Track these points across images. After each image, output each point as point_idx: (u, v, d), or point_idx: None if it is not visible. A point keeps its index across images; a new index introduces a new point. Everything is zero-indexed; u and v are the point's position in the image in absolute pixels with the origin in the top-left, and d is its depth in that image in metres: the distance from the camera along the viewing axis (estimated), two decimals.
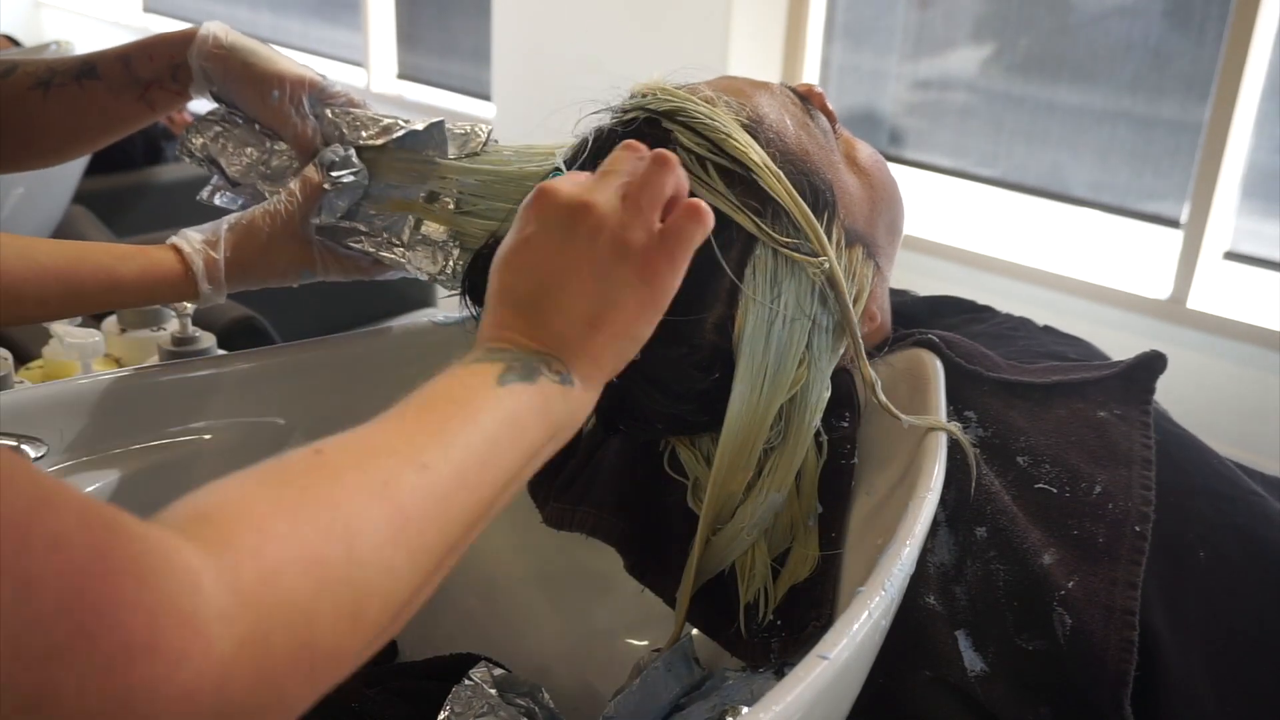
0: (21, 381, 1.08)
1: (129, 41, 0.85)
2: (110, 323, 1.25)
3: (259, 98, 0.82)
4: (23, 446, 0.78)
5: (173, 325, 1.14)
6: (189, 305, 1.07)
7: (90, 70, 0.84)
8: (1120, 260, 2.83)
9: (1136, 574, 0.67)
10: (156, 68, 0.84)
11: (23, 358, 1.22)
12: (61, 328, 1.16)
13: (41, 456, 0.77)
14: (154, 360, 1.17)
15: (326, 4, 4.63)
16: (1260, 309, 2.57)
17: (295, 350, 0.88)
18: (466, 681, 0.72)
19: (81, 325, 1.18)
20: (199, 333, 1.10)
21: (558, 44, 3.33)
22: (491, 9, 3.49)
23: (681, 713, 0.69)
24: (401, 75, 4.30)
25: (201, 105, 0.87)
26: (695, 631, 0.75)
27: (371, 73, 4.25)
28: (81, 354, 1.15)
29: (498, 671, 0.74)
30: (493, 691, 0.72)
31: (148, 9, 5.36)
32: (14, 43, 2.79)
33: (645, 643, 0.82)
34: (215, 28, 0.83)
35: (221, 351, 1.09)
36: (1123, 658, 0.64)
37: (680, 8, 2.98)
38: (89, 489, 0.75)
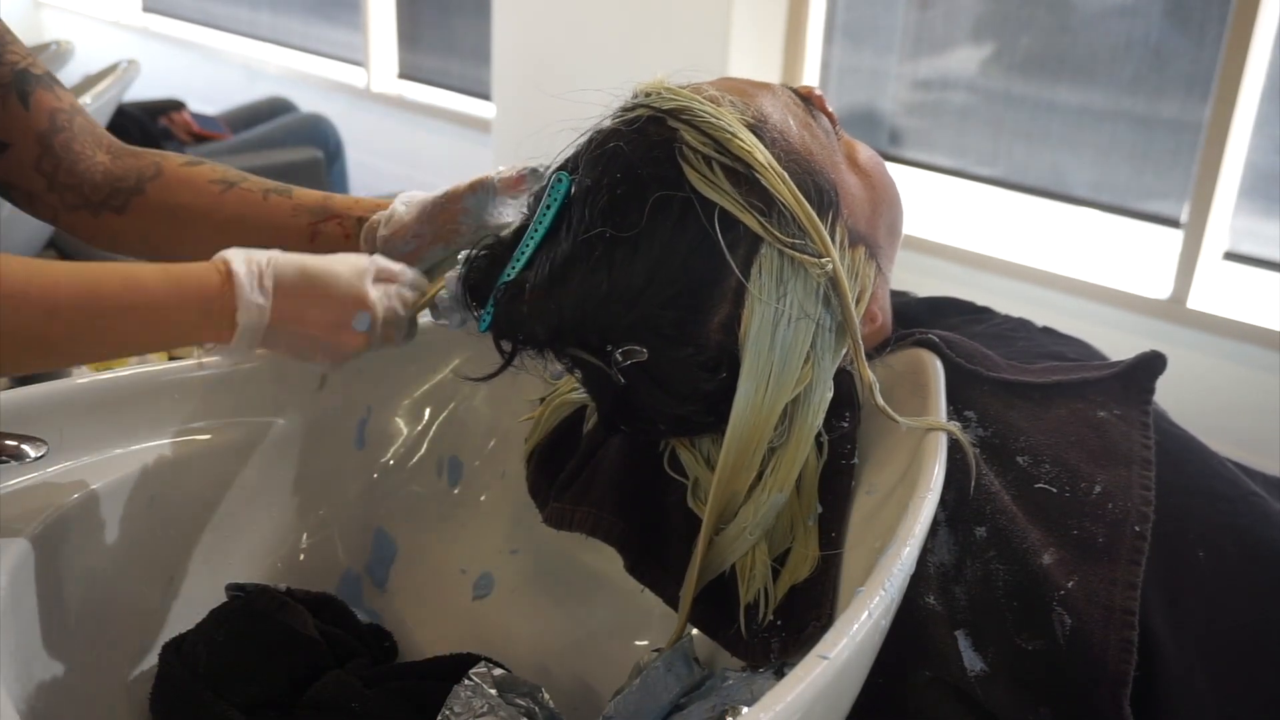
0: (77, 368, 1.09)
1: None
2: None
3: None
4: (23, 446, 0.78)
5: None
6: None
7: (285, 191, 0.87)
8: (1120, 260, 2.83)
9: (1136, 574, 0.67)
10: (356, 207, 0.87)
11: None
12: None
13: (41, 456, 0.77)
14: (195, 349, 1.17)
15: (326, 4, 4.62)
16: (1260, 309, 2.56)
17: None
18: (466, 681, 0.72)
19: None
20: None
21: (558, 44, 3.32)
22: (491, 9, 3.48)
23: (681, 713, 0.69)
24: (402, 75, 4.30)
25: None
26: (695, 631, 0.75)
27: (371, 73, 4.25)
28: None
29: (498, 671, 0.74)
30: (493, 691, 0.72)
31: (147, 9, 5.36)
32: None
33: (645, 643, 0.82)
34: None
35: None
36: (1122, 657, 0.64)
37: (680, 8, 2.98)
38: (89, 489, 0.75)
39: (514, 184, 0.83)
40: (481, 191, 0.83)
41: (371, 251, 0.85)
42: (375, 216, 0.86)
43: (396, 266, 0.79)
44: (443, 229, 0.84)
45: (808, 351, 0.70)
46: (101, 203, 0.87)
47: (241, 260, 0.72)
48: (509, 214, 0.85)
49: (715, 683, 0.70)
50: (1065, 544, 0.68)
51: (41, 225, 1.80)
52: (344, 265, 0.75)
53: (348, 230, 0.86)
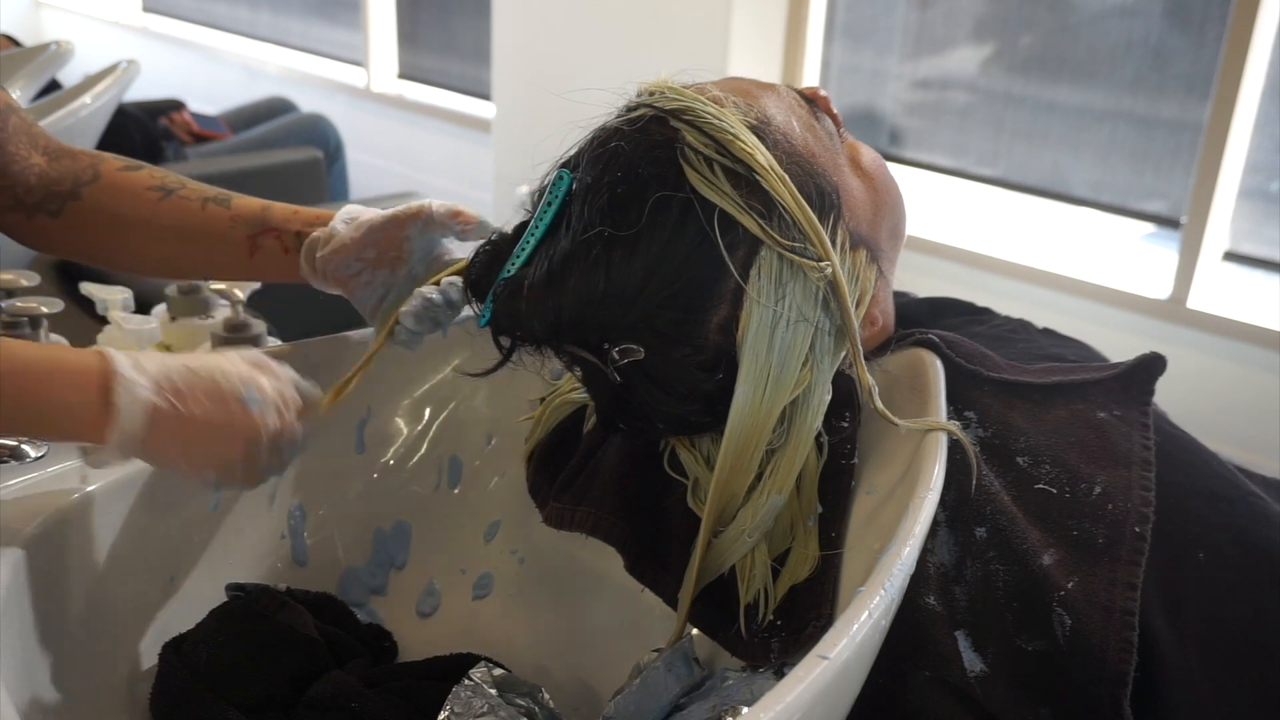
0: None
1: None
2: (160, 311, 1.24)
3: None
4: (23, 446, 0.78)
5: (223, 313, 1.14)
6: (240, 293, 1.07)
7: (223, 200, 0.85)
8: (1120, 260, 2.83)
9: (1136, 574, 0.67)
10: (294, 219, 0.84)
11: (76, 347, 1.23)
12: (119, 314, 1.16)
13: (41, 456, 0.77)
14: (206, 348, 1.17)
15: (326, 4, 4.62)
16: (1260, 309, 2.57)
17: (294, 350, 0.88)
18: (466, 681, 0.72)
19: (135, 312, 1.19)
20: (251, 319, 1.10)
21: (558, 44, 3.32)
22: (491, 9, 3.48)
23: (681, 713, 0.69)
24: (401, 75, 4.30)
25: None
26: (695, 631, 0.75)
27: (371, 73, 4.25)
28: (139, 340, 1.15)
29: (498, 671, 0.74)
30: (493, 691, 0.72)
31: (147, 9, 5.36)
32: (14, 42, 2.79)
33: (645, 643, 0.82)
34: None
35: (274, 339, 1.09)
36: (1122, 658, 0.64)
37: (680, 8, 2.98)
38: (88, 489, 0.75)
39: (453, 217, 0.82)
40: (423, 220, 0.82)
41: (312, 271, 0.84)
42: (315, 234, 0.84)
43: (277, 364, 0.74)
44: (386, 253, 0.82)
45: (806, 354, 0.70)
46: (36, 205, 0.85)
47: (120, 352, 0.67)
48: (454, 248, 0.85)
49: (715, 683, 0.70)
50: (1065, 544, 0.68)
51: None
52: (228, 357, 0.71)
53: (286, 245, 0.84)
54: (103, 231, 0.85)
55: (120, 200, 0.84)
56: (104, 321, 1.19)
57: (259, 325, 1.10)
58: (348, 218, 0.84)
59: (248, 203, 0.85)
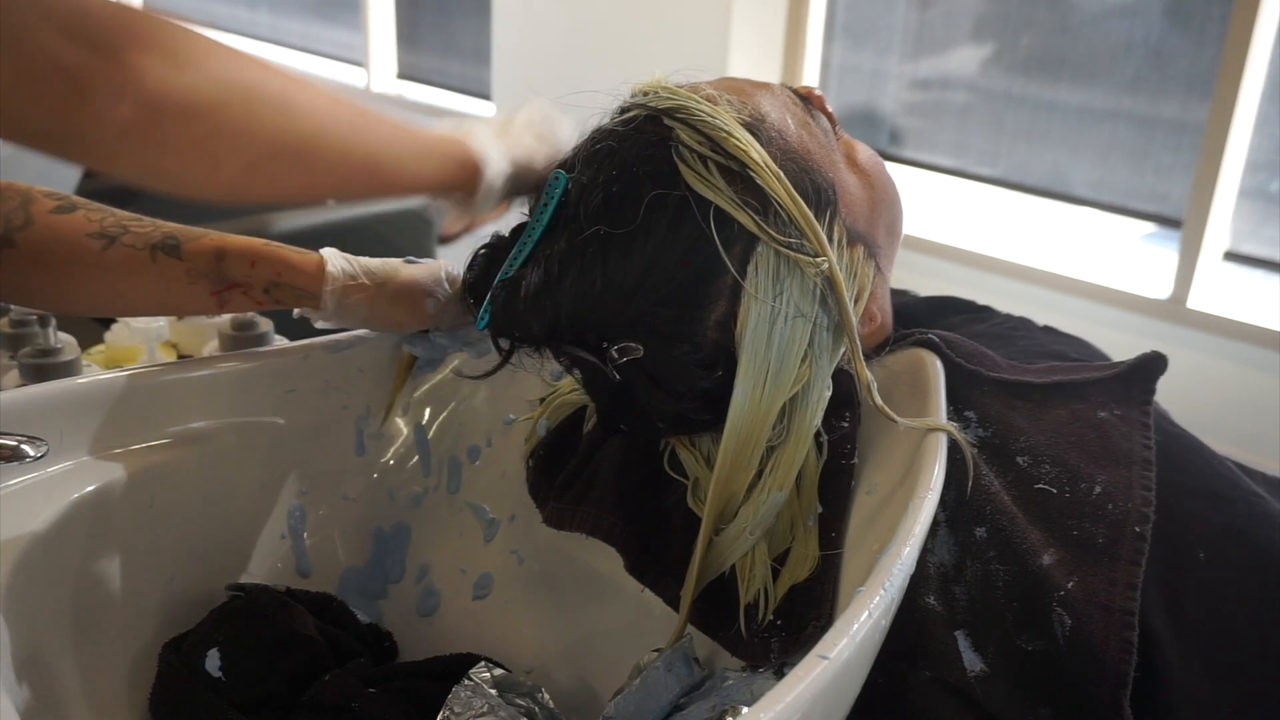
0: (89, 365, 1.09)
1: (224, 234, 0.81)
2: None
3: (409, 311, 0.85)
4: (23, 446, 0.78)
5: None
6: None
7: (173, 248, 0.79)
8: (1120, 260, 2.83)
9: (1136, 574, 0.67)
10: (254, 274, 0.80)
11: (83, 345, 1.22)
12: None
13: (41, 456, 0.77)
14: (213, 346, 1.17)
15: (326, 4, 4.62)
16: (1260, 309, 2.56)
17: (295, 350, 0.88)
18: (466, 681, 0.72)
19: None
20: (258, 317, 1.10)
21: (558, 44, 3.33)
22: (491, 9, 3.49)
23: (681, 713, 0.69)
24: (401, 75, 4.31)
25: None
26: (692, 629, 0.75)
27: (371, 73, 4.25)
28: (146, 338, 1.15)
29: (498, 672, 0.74)
30: (492, 691, 0.72)
31: (147, 9, 5.35)
32: None
33: (645, 643, 0.82)
34: (337, 260, 0.82)
35: (280, 338, 1.09)
36: (1122, 658, 0.64)
37: (680, 8, 2.98)
38: (89, 489, 0.75)
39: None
40: (446, 279, 0.85)
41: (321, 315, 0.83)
42: (324, 295, 0.81)
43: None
44: (414, 316, 0.86)
45: (805, 350, 0.70)
46: None
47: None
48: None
49: (715, 683, 0.70)
50: (1065, 544, 0.68)
51: None
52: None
53: (256, 299, 0.81)
54: (46, 280, 0.78)
55: (59, 250, 0.77)
56: (111, 320, 1.19)
57: (265, 324, 1.11)
58: (343, 275, 0.81)
59: (199, 249, 0.79)
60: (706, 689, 0.71)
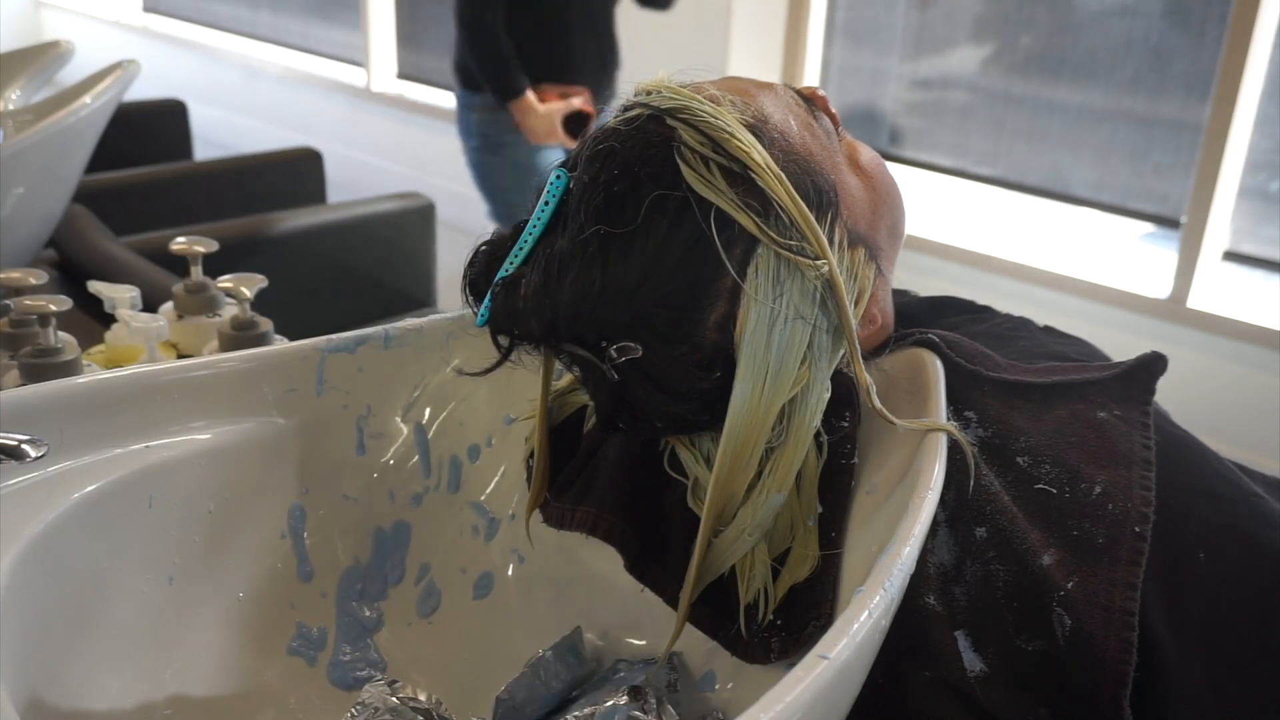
0: (89, 365, 1.09)
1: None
2: (167, 309, 1.24)
3: None
4: (23, 446, 0.78)
5: (230, 311, 1.14)
6: (247, 290, 1.05)
7: None
8: (1120, 260, 2.83)
9: (1136, 575, 0.67)
10: None
11: (83, 345, 1.22)
12: (127, 312, 1.16)
13: (41, 456, 0.77)
14: (213, 346, 1.17)
15: (326, 4, 4.62)
16: (1260, 309, 2.57)
17: (295, 350, 0.88)
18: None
19: (142, 310, 1.19)
20: (258, 317, 1.10)
21: None
22: None
23: (575, 704, 0.70)
24: (401, 75, 4.31)
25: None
26: (684, 632, 0.75)
27: (371, 73, 4.25)
28: (146, 338, 1.15)
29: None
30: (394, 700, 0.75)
31: (147, 9, 5.36)
32: None
33: (645, 642, 0.82)
34: None
35: (280, 338, 1.09)
36: (1122, 658, 0.64)
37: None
38: (89, 489, 0.75)
39: None
40: None
41: None
42: None
43: None
44: None
45: (804, 353, 0.70)
46: None
47: None
48: None
49: (606, 674, 0.71)
50: (1065, 544, 0.68)
51: (41, 224, 1.81)
52: None
53: None
54: None
55: None
56: (111, 320, 1.19)
57: (265, 324, 1.11)
58: None
59: None
60: (598, 680, 0.72)
